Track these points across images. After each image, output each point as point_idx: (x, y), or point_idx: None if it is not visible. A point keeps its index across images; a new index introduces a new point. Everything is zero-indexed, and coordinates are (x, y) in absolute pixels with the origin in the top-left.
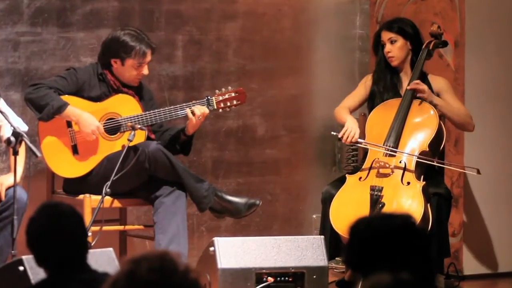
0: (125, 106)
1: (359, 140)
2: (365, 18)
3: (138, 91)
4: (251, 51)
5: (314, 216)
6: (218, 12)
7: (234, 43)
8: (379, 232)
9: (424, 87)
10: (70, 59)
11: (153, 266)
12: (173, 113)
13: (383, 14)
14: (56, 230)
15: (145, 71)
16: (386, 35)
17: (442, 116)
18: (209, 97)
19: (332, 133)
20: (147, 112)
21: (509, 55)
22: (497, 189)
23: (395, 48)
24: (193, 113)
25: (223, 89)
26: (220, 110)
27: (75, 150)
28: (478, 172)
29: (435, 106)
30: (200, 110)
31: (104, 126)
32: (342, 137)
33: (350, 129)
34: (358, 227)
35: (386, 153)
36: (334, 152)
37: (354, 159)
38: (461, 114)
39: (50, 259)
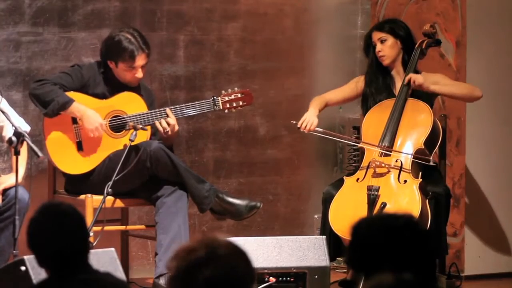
0: (131, 103)
1: (317, 129)
2: (367, 18)
3: (138, 93)
4: (253, 51)
5: (316, 216)
6: (219, 12)
7: (236, 43)
8: (381, 232)
9: (418, 76)
10: (71, 59)
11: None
12: (178, 112)
13: (384, 14)
14: (57, 230)
15: (139, 74)
16: (376, 35)
17: (443, 116)
18: (215, 97)
19: (292, 121)
20: (152, 110)
21: (510, 55)
22: (498, 190)
23: (386, 47)
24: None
25: (229, 90)
26: (226, 111)
27: (79, 146)
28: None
29: (433, 91)
30: (165, 123)
31: (109, 123)
32: (300, 126)
33: (308, 119)
34: (360, 227)
35: (382, 153)
36: (335, 152)
37: (356, 159)
38: (461, 87)
39: (51, 260)
